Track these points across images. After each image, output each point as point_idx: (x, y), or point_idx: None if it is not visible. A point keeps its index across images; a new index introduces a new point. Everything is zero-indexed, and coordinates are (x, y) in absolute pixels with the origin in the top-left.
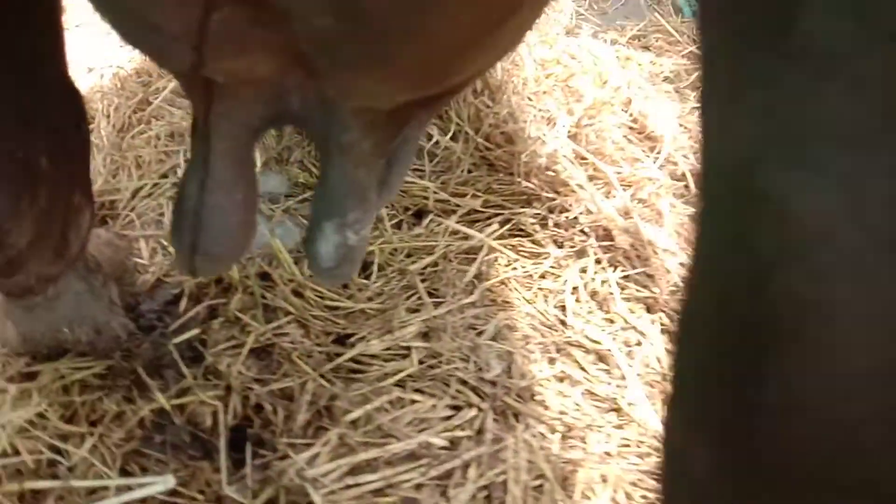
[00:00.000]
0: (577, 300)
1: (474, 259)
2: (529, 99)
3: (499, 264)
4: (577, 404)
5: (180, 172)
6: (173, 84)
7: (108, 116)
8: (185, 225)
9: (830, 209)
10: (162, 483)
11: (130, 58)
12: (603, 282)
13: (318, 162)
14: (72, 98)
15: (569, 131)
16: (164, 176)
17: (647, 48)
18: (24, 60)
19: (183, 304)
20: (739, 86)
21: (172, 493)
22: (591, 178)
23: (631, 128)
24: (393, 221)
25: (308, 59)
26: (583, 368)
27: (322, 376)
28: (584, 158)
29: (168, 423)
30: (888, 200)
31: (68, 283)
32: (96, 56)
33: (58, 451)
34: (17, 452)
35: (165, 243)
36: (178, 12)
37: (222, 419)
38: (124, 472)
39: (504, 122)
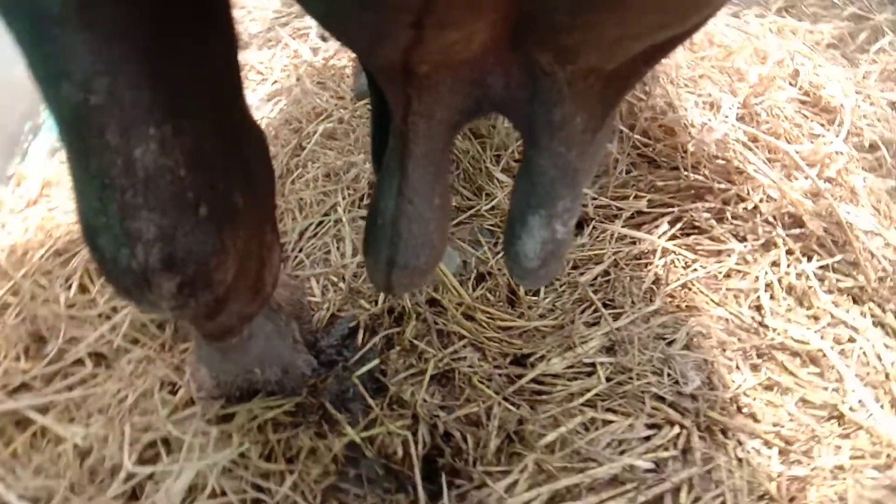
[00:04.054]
0: (773, 297)
1: (648, 264)
2: (686, 85)
3: (676, 267)
4: (791, 414)
5: (340, 210)
6: (323, 127)
7: None
8: (381, 239)
9: None
10: None
11: (276, 110)
12: (799, 274)
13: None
14: (256, 133)
15: (737, 113)
16: (326, 215)
17: (800, 17)
18: (219, 98)
19: (360, 336)
20: None
21: None
22: (768, 161)
23: (803, 101)
24: None
25: (534, 17)
26: (791, 373)
27: (506, 399)
28: (756, 140)
29: (360, 457)
30: None
31: (259, 323)
32: None
33: (260, 489)
34: (223, 493)
35: (335, 279)
36: None
37: (413, 450)
38: None
39: (662, 114)
